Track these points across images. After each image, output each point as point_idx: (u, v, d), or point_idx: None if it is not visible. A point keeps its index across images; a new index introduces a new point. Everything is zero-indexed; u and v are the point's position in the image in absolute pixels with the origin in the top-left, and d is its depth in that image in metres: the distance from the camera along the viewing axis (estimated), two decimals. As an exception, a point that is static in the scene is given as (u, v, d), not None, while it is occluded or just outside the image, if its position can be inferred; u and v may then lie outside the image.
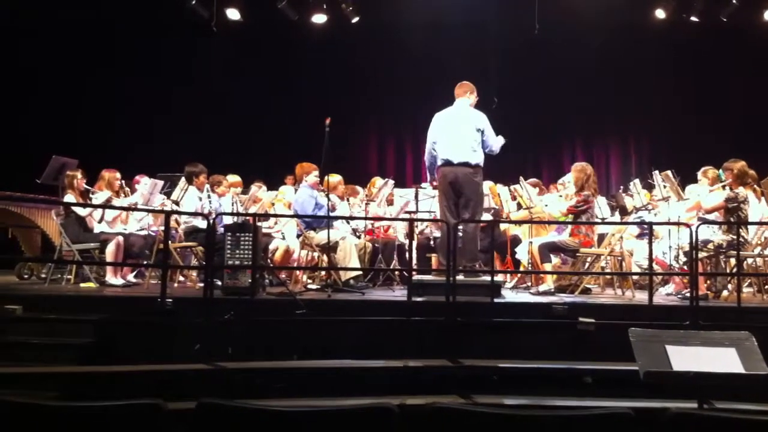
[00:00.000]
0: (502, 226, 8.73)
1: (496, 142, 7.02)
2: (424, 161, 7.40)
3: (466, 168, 6.84)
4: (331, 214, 7.50)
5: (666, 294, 7.53)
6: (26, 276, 8.31)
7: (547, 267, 7.35)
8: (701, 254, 6.65)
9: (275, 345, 5.57)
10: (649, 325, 4.16)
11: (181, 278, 8.15)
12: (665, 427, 2.47)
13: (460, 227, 6.75)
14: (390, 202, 9.09)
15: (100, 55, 11.83)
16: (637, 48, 12.33)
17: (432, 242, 8.65)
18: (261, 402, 3.21)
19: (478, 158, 6.91)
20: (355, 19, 12.24)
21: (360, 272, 7.62)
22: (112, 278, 7.46)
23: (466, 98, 7.13)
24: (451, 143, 6.89)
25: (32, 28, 11.45)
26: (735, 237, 6.64)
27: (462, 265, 6.59)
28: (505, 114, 11.63)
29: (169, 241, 6.71)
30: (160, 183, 8.07)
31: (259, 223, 7.11)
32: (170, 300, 5.79)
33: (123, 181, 8.00)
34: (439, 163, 6.96)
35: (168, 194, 8.04)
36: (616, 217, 8.75)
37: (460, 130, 6.90)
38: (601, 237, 7.91)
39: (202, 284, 6.59)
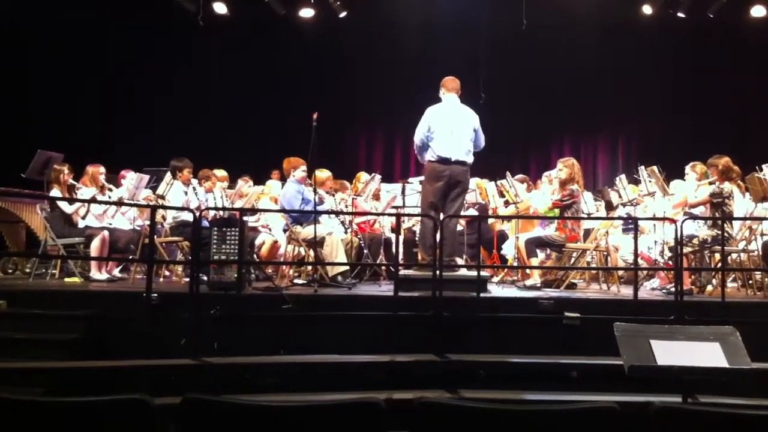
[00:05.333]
0: (489, 222, 8.74)
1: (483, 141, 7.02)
2: (413, 147, 7.08)
3: (462, 166, 6.76)
4: (317, 209, 7.47)
5: (651, 289, 7.57)
6: (10, 271, 8.26)
7: (534, 262, 7.38)
8: (686, 249, 6.69)
9: (261, 340, 5.56)
10: (634, 319, 4.19)
11: (167, 273, 8.12)
12: (650, 421, 2.49)
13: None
14: (377, 197, 9.08)
15: (88, 52, 11.73)
16: (625, 44, 12.36)
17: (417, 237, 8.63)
18: (247, 397, 3.20)
19: (471, 158, 6.88)
20: (343, 14, 12.25)
21: (347, 267, 7.58)
22: (97, 273, 7.42)
23: (456, 95, 6.99)
24: (451, 141, 6.73)
25: (26, 27, 11.35)
26: (720, 232, 6.69)
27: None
28: (492, 110, 11.68)
29: (155, 236, 6.67)
30: (146, 177, 8.04)
31: (245, 218, 7.09)
32: (156, 295, 5.76)
33: (104, 175, 7.91)
34: (433, 158, 6.76)
35: (154, 189, 8.00)
36: (602, 212, 8.78)
37: (459, 129, 6.78)
38: (587, 232, 7.94)
39: (188, 279, 6.56)
